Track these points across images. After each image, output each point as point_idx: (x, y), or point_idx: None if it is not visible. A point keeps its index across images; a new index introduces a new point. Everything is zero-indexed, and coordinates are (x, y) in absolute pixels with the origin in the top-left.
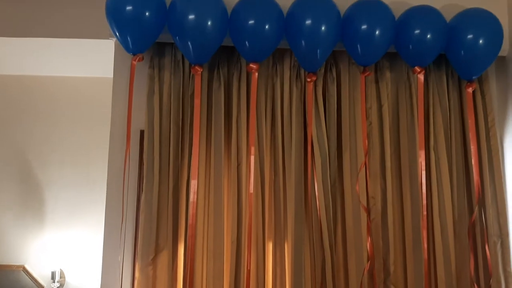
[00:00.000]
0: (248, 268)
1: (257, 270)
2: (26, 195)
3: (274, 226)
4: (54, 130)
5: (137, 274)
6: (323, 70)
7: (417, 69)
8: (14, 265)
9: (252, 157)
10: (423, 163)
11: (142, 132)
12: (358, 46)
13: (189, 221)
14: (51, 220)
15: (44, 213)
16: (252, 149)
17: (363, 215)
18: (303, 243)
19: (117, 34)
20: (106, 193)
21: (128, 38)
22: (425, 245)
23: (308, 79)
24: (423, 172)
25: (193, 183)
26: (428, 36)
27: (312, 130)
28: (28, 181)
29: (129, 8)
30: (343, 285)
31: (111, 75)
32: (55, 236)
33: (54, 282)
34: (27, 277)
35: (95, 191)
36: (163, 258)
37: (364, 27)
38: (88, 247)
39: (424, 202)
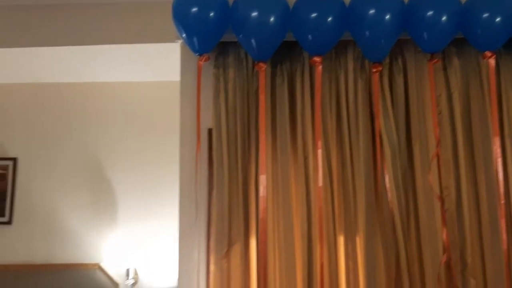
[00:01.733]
0: (321, 261)
1: (329, 264)
2: (99, 197)
3: (344, 219)
4: (124, 134)
5: (212, 267)
6: (388, 60)
7: (488, 53)
8: (90, 264)
9: (319, 151)
10: (499, 150)
11: (210, 131)
12: (424, 33)
13: (260, 216)
14: (123, 220)
15: (116, 213)
16: (319, 143)
17: (437, 206)
18: (375, 236)
19: (184, 35)
20: (179, 191)
21: (195, 39)
22: (504, 236)
23: (374, 70)
24: (499, 160)
25: (262, 178)
26: (498, 19)
27: (380, 121)
28: (101, 183)
29: (194, 9)
30: (418, 277)
31: (176, 78)
32: (128, 235)
33: (128, 279)
34: (103, 275)
35: (164, 191)
36: (236, 251)
37: (429, 13)
38: (159, 245)
39: (502, 190)
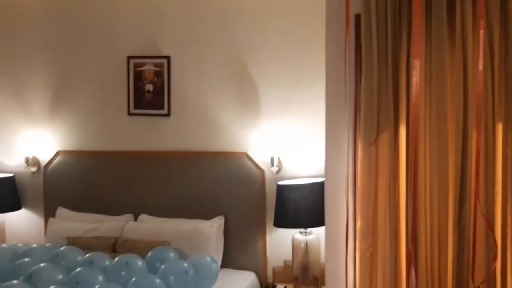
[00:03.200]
0: (477, 148)
1: (485, 151)
2: (243, 91)
3: (505, 106)
4: (265, 29)
5: (360, 153)
6: None
7: None
8: (238, 152)
9: (481, 32)
10: None
11: (357, 16)
12: None
13: (412, 101)
14: (268, 113)
15: (259, 108)
16: (481, 23)
17: None
18: None
19: None
20: (326, 78)
21: None
22: None
23: None
24: None
25: (415, 63)
26: None
27: None
28: (244, 79)
29: None
30: None
31: None
32: (272, 127)
33: (273, 166)
34: (250, 162)
35: (305, 85)
36: (385, 139)
37: None
38: (301, 135)
39: None
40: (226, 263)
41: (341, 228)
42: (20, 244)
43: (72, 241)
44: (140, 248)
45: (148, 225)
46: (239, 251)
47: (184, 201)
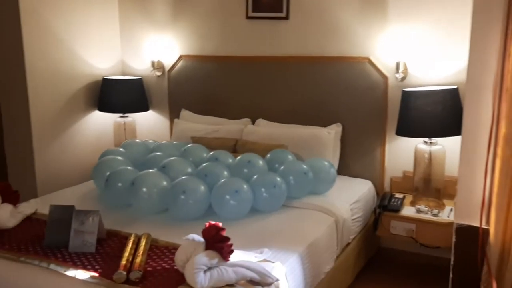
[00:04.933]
0: None
1: None
2: None
3: None
4: None
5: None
6: None
7: None
8: (359, 57)
9: None
10: None
11: None
12: None
13: None
14: (394, 15)
15: (387, 8)
16: None
17: None
18: None
19: None
20: None
21: None
22: None
23: None
24: None
25: None
26: None
27: None
28: None
29: None
30: None
31: None
32: (398, 31)
33: (398, 72)
34: (372, 68)
35: None
36: None
37: None
38: (429, 41)
39: None
40: (342, 171)
41: (480, 134)
42: (150, 141)
43: (197, 140)
44: (259, 149)
45: (265, 129)
46: (355, 159)
47: (300, 107)
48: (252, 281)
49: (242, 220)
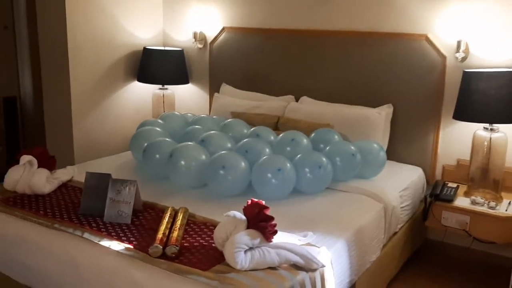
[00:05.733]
0: None
1: None
2: None
3: None
4: None
5: None
6: None
7: None
8: (416, 34)
9: None
10: None
11: None
12: None
13: None
14: None
15: None
16: None
17: None
18: None
19: None
20: None
21: None
22: None
23: None
24: None
25: None
26: None
27: None
28: None
29: None
30: None
31: None
32: (461, 7)
33: (458, 52)
34: (429, 46)
35: None
36: None
37: None
38: (493, 20)
39: None
40: (390, 156)
41: None
42: (189, 114)
43: (237, 116)
44: (302, 128)
45: (309, 107)
46: (406, 144)
47: (348, 85)
48: (295, 265)
49: (283, 200)
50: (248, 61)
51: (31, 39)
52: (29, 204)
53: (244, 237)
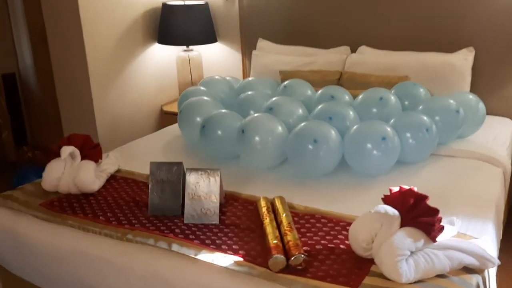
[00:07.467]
0: None
1: None
2: None
3: None
4: None
5: None
6: None
7: None
8: None
9: None
10: None
11: None
12: None
13: None
14: None
15: None
16: None
17: None
18: None
19: None
20: None
21: None
22: None
23: None
24: None
25: None
26: None
27: None
28: None
29: None
30: None
31: None
32: None
33: None
34: None
35: None
36: None
37: None
38: None
39: None
40: None
41: None
42: (228, 78)
43: (289, 75)
44: (374, 84)
45: (374, 58)
46: (491, 92)
47: (414, 29)
48: (465, 268)
49: (382, 176)
50: (288, 9)
51: (27, 6)
52: (81, 208)
53: (406, 240)
